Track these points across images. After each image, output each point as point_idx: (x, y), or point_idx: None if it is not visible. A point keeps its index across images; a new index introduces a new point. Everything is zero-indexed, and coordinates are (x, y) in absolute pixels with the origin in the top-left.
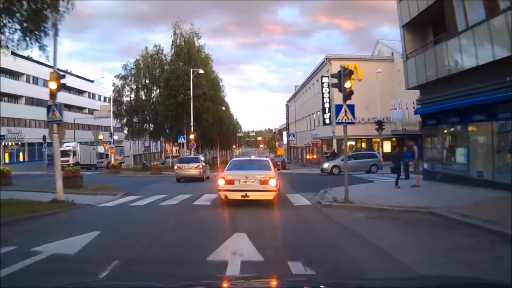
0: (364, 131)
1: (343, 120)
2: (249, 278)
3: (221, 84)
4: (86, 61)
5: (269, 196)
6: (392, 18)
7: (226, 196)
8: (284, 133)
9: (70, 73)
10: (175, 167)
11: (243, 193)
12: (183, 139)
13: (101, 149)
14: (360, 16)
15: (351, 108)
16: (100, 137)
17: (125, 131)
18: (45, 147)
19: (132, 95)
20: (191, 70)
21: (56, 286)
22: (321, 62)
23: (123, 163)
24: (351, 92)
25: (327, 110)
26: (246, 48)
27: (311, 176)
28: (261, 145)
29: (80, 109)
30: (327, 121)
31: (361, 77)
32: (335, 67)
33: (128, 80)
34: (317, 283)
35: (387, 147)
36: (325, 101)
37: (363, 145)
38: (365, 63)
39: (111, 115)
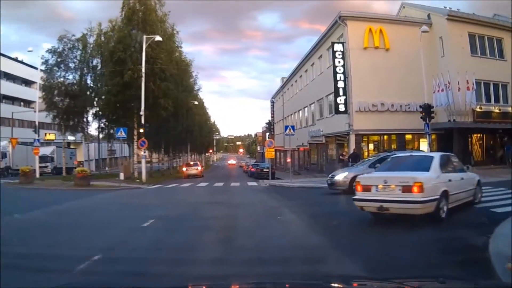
0: (395, 122)
1: None
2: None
3: (193, 72)
4: None
5: (413, 210)
6: None
7: (362, 208)
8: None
9: (18, 60)
10: (184, 169)
11: (378, 205)
12: (123, 133)
13: (45, 150)
14: None
15: None
16: (51, 137)
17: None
18: None
19: (70, 77)
20: (145, 36)
21: (57, 286)
22: (331, 25)
23: (75, 168)
24: None
25: (341, 92)
26: (227, 54)
27: (331, 199)
28: (241, 150)
29: (27, 102)
30: (341, 108)
31: (389, 46)
32: (353, 30)
33: (64, 55)
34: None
35: (423, 147)
36: (338, 78)
37: (392, 143)
38: (394, 26)
39: (37, 104)
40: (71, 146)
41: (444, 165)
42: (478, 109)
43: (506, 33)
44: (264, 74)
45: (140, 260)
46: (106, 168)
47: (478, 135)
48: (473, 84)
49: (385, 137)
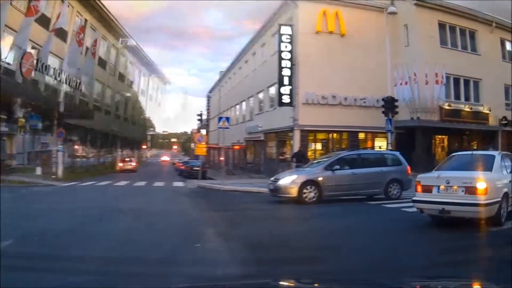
0: (347, 118)
1: None
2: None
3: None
4: None
5: (475, 213)
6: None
7: (421, 210)
8: (204, 131)
9: None
10: (120, 164)
11: (440, 207)
12: (37, 120)
13: None
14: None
15: None
16: None
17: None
18: None
19: None
20: None
21: (57, 286)
22: (279, 6)
23: (3, 161)
24: None
25: (286, 81)
26: (168, 50)
27: (276, 211)
28: (174, 147)
29: None
30: (286, 99)
31: (345, 32)
32: (305, 12)
33: None
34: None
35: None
36: (284, 65)
37: (342, 142)
38: (352, 10)
39: None
40: (3, 138)
41: (505, 164)
42: (446, 107)
43: (480, 25)
44: (205, 72)
45: None
46: (38, 162)
47: (442, 136)
48: (442, 78)
49: (335, 135)
